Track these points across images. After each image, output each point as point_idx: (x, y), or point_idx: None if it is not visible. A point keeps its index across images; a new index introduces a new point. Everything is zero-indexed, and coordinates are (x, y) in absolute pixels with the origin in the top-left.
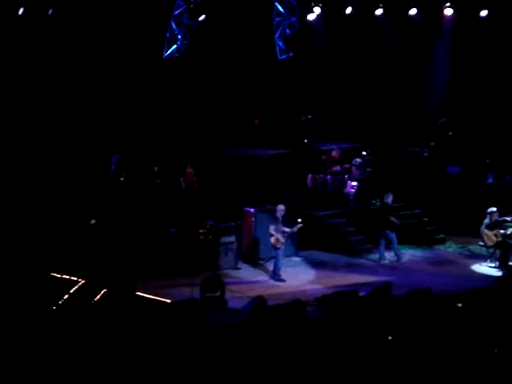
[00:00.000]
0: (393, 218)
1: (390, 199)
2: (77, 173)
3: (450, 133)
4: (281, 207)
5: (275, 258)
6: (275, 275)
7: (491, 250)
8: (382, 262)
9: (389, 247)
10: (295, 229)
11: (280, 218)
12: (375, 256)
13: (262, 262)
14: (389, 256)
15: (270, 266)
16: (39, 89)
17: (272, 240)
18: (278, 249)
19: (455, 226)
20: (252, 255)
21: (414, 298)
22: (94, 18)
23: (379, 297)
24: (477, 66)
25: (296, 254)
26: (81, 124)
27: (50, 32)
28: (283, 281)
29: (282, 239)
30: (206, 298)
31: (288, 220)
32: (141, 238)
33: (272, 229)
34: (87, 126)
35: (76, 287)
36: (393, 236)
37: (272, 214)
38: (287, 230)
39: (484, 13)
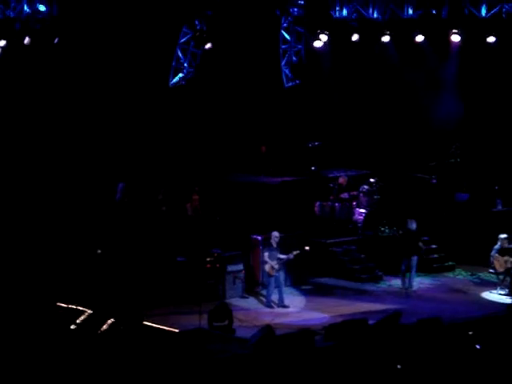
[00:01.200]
0: (421, 244)
1: (414, 225)
2: (83, 202)
3: (458, 159)
4: (275, 234)
5: (269, 285)
6: (271, 302)
7: (501, 277)
8: (405, 288)
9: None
10: (291, 256)
11: (275, 245)
12: (385, 284)
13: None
14: (398, 282)
15: (276, 295)
16: (46, 117)
17: (267, 267)
18: (271, 276)
19: (464, 253)
20: (260, 283)
21: (424, 327)
22: (101, 47)
23: (389, 325)
24: (485, 92)
25: (305, 282)
26: (87, 152)
27: (56, 61)
28: (272, 307)
29: (276, 266)
30: (213, 328)
31: (294, 247)
32: (148, 267)
33: (266, 256)
34: (93, 154)
35: (83, 317)
36: (415, 262)
37: (267, 243)
38: (283, 256)
39: (491, 39)
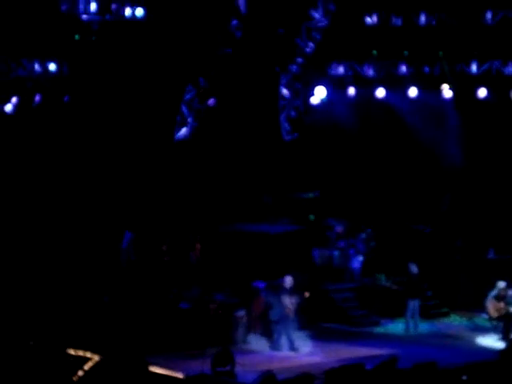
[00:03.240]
0: (425, 286)
1: (415, 269)
2: (89, 250)
3: (446, 208)
4: (289, 278)
5: (286, 328)
6: (277, 345)
7: (495, 323)
8: (409, 332)
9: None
10: (293, 300)
11: (289, 289)
12: (382, 329)
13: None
14: (395, 327)
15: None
16: (56, 171)
17: (287, 310)
18: (289, 318)
19: (459, 299)
20: (261, 329)
21: (419, 371)
22: (109, 104)
23: (385, 370)
24: (478, 142)
25: (305, 327)
26: (94, 202)
27: (66, 118)
28: (279, 350)
29: (293, 307)
30: (216, 373)
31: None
32: (152, 314)
33: (284, 298)
34: (100, 205)
35: (90, 364)
36: (418, 306)
37: (280, 287)
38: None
39: (483, 93)
